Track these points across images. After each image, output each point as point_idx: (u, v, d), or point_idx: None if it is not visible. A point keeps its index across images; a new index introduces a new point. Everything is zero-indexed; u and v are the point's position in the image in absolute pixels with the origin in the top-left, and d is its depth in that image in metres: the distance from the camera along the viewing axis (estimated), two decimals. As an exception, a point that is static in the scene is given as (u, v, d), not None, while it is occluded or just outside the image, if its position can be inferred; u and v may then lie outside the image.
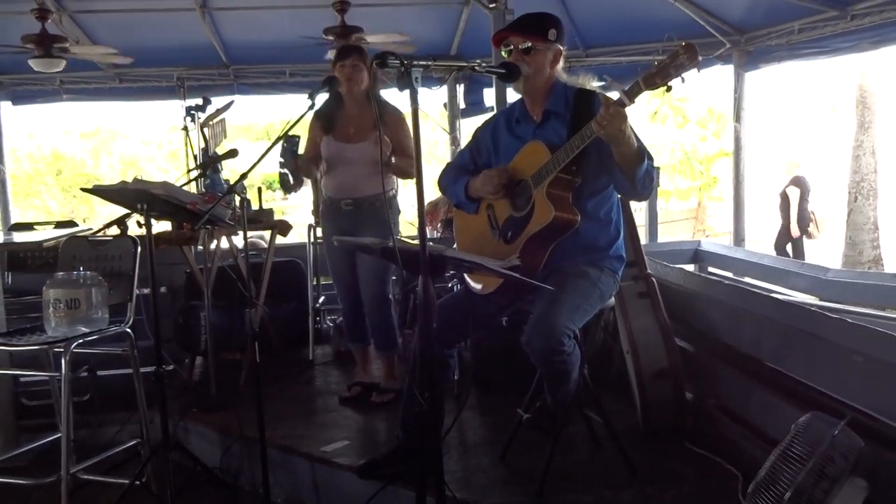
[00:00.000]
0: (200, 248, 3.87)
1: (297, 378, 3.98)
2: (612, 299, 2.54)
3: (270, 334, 4.25)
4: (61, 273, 2.87)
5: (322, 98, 3.15)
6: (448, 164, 2.77)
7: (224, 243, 3.97)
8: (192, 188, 3.78)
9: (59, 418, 3.22)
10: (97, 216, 18.02)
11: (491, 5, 4.51)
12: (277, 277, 4.20)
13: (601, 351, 3.53)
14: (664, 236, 9.07)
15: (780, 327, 2.72)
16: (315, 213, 4.34)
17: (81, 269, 2.90)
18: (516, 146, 2.43)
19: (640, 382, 2.89)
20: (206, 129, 4.10)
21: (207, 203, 2.74)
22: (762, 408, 2.69)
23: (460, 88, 7.38)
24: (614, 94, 2.04)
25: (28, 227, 5.11)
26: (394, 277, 4.20)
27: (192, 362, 4.16)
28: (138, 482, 2.88)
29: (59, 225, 4.91)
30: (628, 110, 2.02)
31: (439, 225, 4.85)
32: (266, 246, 4.79)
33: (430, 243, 2.00)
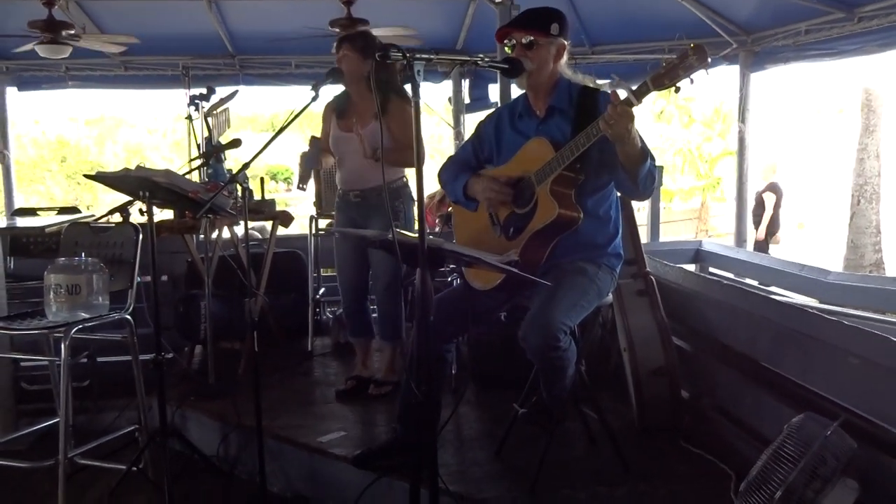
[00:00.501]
0: (202, 237, 3.88)
1: (295, 369, 3.99)
2: (610, 296, 2.55)
3: (270, 324, 4.26)
4: (63, 258, 2.89)
5: (327, 90, 3.15)
6: (449, 158, 2.77)
7: (225, 233, 3.98)
8: (195, 177, 3.79)
9: (57, 403, 3.24)
10: (101, 203, 18.06)
11: (497, 0, 4.51)
12: (278, 268, 4.21)
13: (599, 348, 3.54)
14: (666, 236, 9.09)
15: (777, 328, 2.73)
16: (317, 204, 4.35)
17: (83, 255, 2.91)
18: (519, 141, 2.44)
19: (637, 380, 2.90)
20: (209, 119, 4.10)
21: (210, 192, 2.75)
22: (757, 408, 2.70)
23: (465, 83, 7.37)
24: (622, 93, 2.04)
25: (31, 212, 5.13)
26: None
27: (192, 351, 4.17)
28: (135, 468, 2.91)
29: (62, 211, 4.92)
30: (635, 109, 2.02)
31: (437, 220, 4.86)
32: (264, 236, 4.82)
33: (430, 237, 2.01)
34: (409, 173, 3.48)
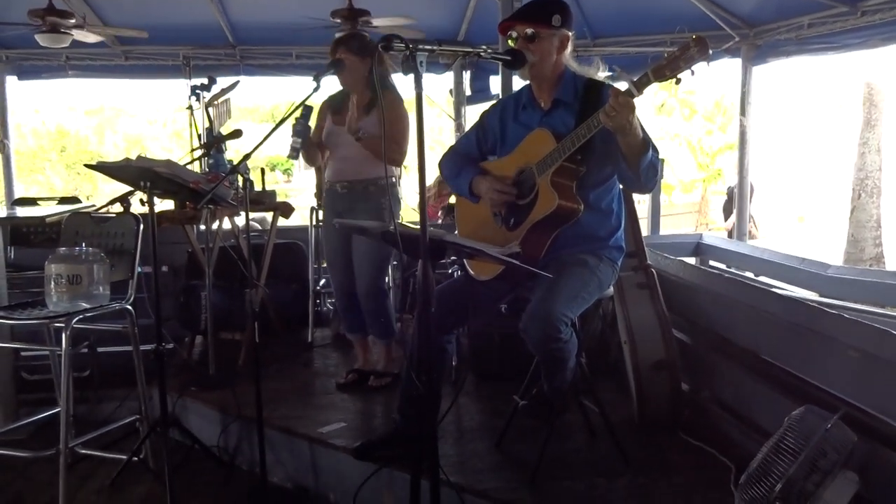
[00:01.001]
0: (202, 227, 3.88)
1: (295, 360, 4.00)
2: (611, 289, 2.55)
3: (270, 315, 4.27)
4: (64, 248, 2.89)
5: (329, 81, 3.15)
6: (450, 149, 2.75)
7: (226, 224, 3.98)
8: (196, 167, 3.78)
9: (58, 393, 3.25)
10: (100, 193, 18.06)
11: (499, -8, 4.49)
12: (279, 259, 4.21)
13: (599, 341, 3.55)
14: (667, 229, 9.09)
15: (777, 321, 2.73)
16: (318, 195, 4.34)
17: (84, 245, 2.91)
18: (522, 133, 2.43)
19: (637, 373, 2.90)
20: (210, 109, 4.09)
21: (211, 182, 2.75)
22: (757, 401, 2.71)
23: (466, 75, 7.35)
24: (623, 85, 2.04)
25: (31, 202, 5.12)
26: (394, 262, 4.22)
27: (192, 341, 4.18)
28: (136, 458, 2.92)
29: (63, 201, 4.92)
30: (636, 101, 2.02)
31: (440, 213, 4.84)
32: (263, 227, 4.81)
33: (432, 228, 2.00)
34: (406, 168, 3.48)
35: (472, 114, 7.47)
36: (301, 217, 4.69)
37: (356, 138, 3.14)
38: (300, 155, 3.36)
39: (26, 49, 6.59)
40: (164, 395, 2.86)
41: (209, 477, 3.02)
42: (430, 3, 6.72)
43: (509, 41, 2.39)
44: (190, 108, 4.19)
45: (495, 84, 7.18)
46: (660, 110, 19.15)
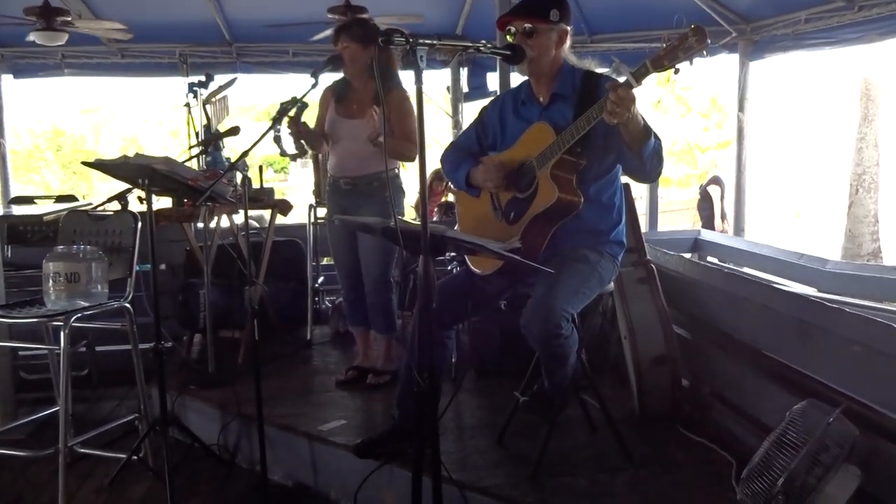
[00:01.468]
0: (200, 225, 3.87)
1: (294, 357, 3.99)
2: (611, 284, 2.54)
3: (269, 313, 4.25)
4: (61, 247, 2.88)
5: (326, 77, 3.13)
6: (451, 145, 2.75)
7: (224, 221, 3.97)
8: (194, 165, 3.76)
9: (57, 392, 3.24)
10: (97, 192, 18.00)
11: (497, -12, 4.47)
12: (277, 257, 4.20)
13: (598, 336, 3.54)
14: (664, 225, 9.10)
15: (778, 316, 2.73)
16: (316, 192, 4.33)
17: (82, 243, 2.90)
18: (522, 127, 2.43)
19: (637, 368, 2.90)
20: (208, 106, 4.08)
21: (209, 180, 2.74)
22: (758, 396, 2.71)
23: (464, 72, 7.35)
24: (621, 77, 2.03)
25: (28, 200, 5.11)
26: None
27: (191, 339, 4.17)
28: (135, 457, 2.91)
29: (60, 199, 4.90)
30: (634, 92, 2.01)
31: (436, 209, 4.83)
32: (261, 225, 4.80)
33: (432, 224, 2.00)
34: (403, 164, 3.46)
35: (470, 111, 7.48)
36: (299, 214, 4.68)
37: (374, 144, 3.13)
38: (289, 147, 3.34)
39: (22, 47, 6.56)
40: (164, 394, 2.85)
41: (209, 475, 3.01)
42: (428, 0, 6.71)
43: (508, 36, 2.39)
44: (187, 105, 4.17)
45: (492, 81, 7.17)
46: (657, 107, 19.15)
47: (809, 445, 1.97)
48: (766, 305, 2.84)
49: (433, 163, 2.86)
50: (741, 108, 6.85)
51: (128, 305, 2.96)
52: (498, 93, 5.00)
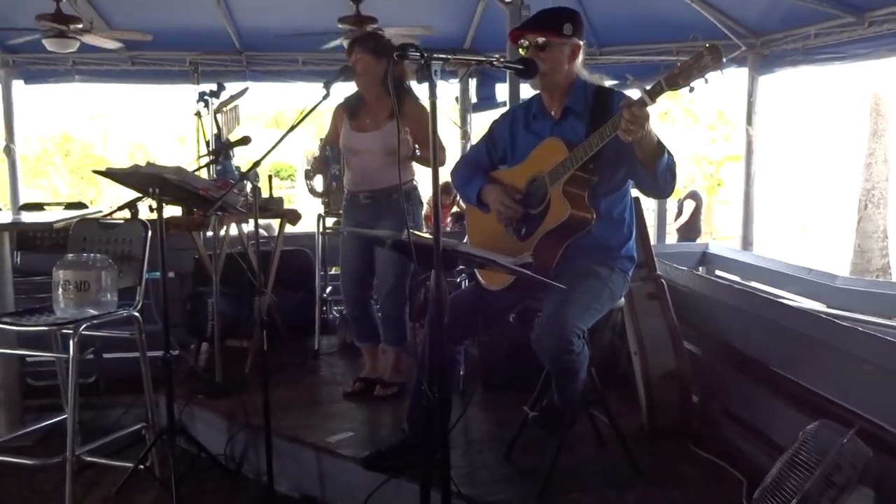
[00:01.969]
0: (209, 234, 3.87)
1: (301, 367, 3.98)
2: (622, 300, 2.53)
3: (276, 323, 4.25)
4: (72, 255, 2.88)
5: (339, 88, 3.14)
6: (461, 158, 2.75)
7: (233, 229, 3.97)
8: (204, 174, 3.77)
9: (64, 399, 3.24)
10: (104, 198, 18.08)
11: (507, 0, 4.49)
12: (285, 266, 4.20)
13: (608, 351, 3.53)
14: (671, 237, 9.11)
15: (790, 333, 2.71)
16: (325, 203, 4.33)
17: (91, 251, 2.90)
18: (533, 142, 2.42)
19: (647, 384, 2.88)
20: (219, 116, 4.09)
21: (220, 189, 2.74)
22: (768, 413, 2.69)
23: (472, 83, 7.36)
24: (635, 93, 2.02)
25: (38, 207, 5.11)
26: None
27: (198, 348, 4.16)
28: (142, 466, 2.89)
29: (69, 206, 4.90)
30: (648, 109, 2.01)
31: (449, 220, 4.83)
32: (269, 234, 4.80)
33: (444, 238, 1.99)
34: (419, 175, 3.46)
35: (478, 121, 7.48)
36: (307, 224, 4.68)
37: (410, 157, 3.15)
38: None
39: (33, 54, 6.61)
40: (172, 403, 2.85)
41: (215, 486, 3.00)
42: (437, 10, 6.74)
43: (520, 49, 2.38)
44: (198, 114, 4.18)
45: (501, 92, 7.19)
46: (663, 118, 19.15)
47: (823, 466, 1.96)
48: (777, 322, 2.82)
49: (443, 173, 2.86)
50: (750, 122, 6.83)
51: (137, 314, 2.95)
52: (507, 104, 5.01)
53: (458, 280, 3.62)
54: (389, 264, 3.30)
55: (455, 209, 6.23)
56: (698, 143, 19.00)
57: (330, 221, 4.32)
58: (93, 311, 2.79)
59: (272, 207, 3.97)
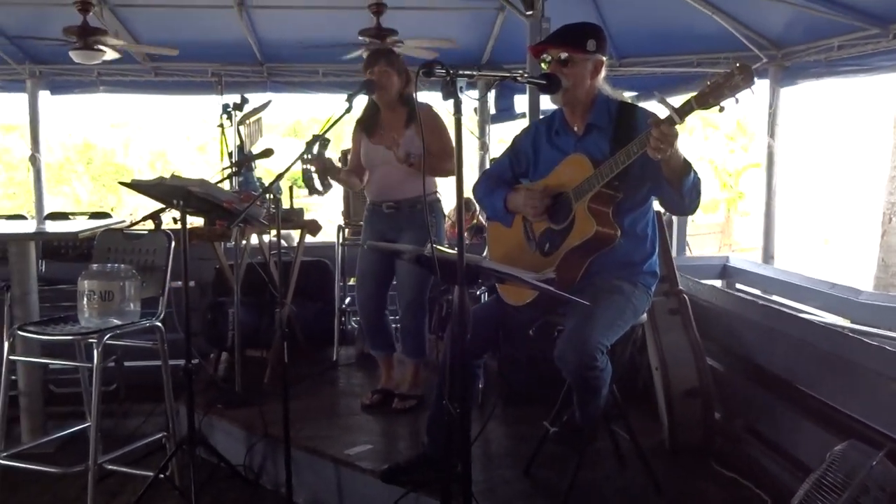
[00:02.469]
0: (230, 244, 3.89)
1: (320, 378, 3.99)
2: (645, 316, 2.51)
3: (295, 333, 4.27)
4: (96, 265, 2.92)
5: (360, 101, 3.16)
6: (484, 173, 2.76)
7: (253, 239, 4.00)
8: (226, 185, 3.81)
9: (87, 408, 3.27)
10: (125, 206, 18.27)
11: (528, 13, 4.49)
12: (305, 277, 4.22)
13: (628, 366, 3.50)
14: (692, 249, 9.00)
15: (816, 351, 2.67)
16: (345, 214, 4.35)
17: (116, 262, 2.93)
18: (556, 157, 2.42)
19: (669, 400, 2.86)
20: (242, 128, 4.13)
21: (243, 202, 2.76)
22: (793, 432, 2.65)
23: (491, 94, 7.36)
24: (658, 108, 2.02)
25: (63, 216, 5.18)
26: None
27: (218, 358, 4.19)
28: (162, 475, 2.91)
29: (94, 216, 4.96)
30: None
31: (466, 233, 4.81)
32: (289, 244, 4.82)
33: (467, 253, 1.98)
34: (442, 189, 3.47)
35: (496, 132, 7.49)
36: (326, 234, 4.70)
37: (408, 164, 3.15)
38: (316, 183, 3.40)
39: (59, 65, 6.71)
40: (192, 412, 2.86)
41: (234, 496, 3.01)
42: (456, 23, 6.75)
43: (542, 64, 2.38)
44: (221, 126, 4.22)
45: (520, 103, 7.19)
46: (681, 127, 19.07)
47: (851, 489, 1.92)
48: (801, 339, 2.79)
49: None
50: (771, 134, 6.77)
51: (159, 325, 2.98)
52: (525, 115, 5.01)
53: (479, 293, 3.61)
54: (410, 277, 3.31)
55: (474, 222, 6.23)
56: (717, 153, 18.89)
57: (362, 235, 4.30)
58: (116, 321, 2.82)
59: (293, 218, 4.00)
